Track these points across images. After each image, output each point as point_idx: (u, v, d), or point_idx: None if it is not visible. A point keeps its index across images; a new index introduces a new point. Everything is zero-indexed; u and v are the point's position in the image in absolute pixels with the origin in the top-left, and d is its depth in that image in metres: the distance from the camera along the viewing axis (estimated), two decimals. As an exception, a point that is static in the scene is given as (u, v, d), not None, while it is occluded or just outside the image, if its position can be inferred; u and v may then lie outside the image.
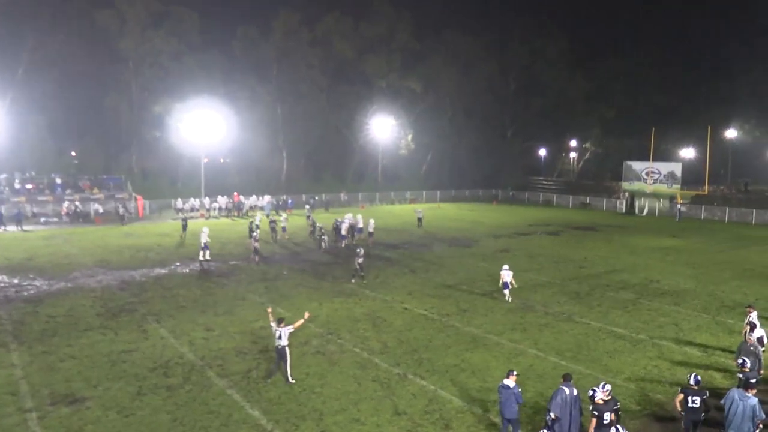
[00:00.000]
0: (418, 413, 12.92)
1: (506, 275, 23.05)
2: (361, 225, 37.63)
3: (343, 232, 35.27)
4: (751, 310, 16.38)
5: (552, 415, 10.85)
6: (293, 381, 14.39)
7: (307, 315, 15.43)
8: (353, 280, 25.23)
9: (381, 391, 14.08)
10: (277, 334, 14.35)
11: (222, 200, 53.41)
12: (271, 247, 34.47)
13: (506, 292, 22.91)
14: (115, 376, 14.78)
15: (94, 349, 16.70)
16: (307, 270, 28.22)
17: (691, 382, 11.46)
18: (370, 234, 35.99)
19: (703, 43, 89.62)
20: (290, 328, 14.57)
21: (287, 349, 14.45)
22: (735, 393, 10.99)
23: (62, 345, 16.98)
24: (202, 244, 29.06)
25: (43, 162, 56.62)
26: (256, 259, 29.74)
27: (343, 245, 34.56)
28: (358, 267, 25.26)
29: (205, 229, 30.14)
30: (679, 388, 11.86)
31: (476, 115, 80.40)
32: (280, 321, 14.61)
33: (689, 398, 11.35)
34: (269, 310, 15.68)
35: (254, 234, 31.05)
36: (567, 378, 11.35)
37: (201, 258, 29.05)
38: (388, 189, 72.49)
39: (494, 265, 29.87)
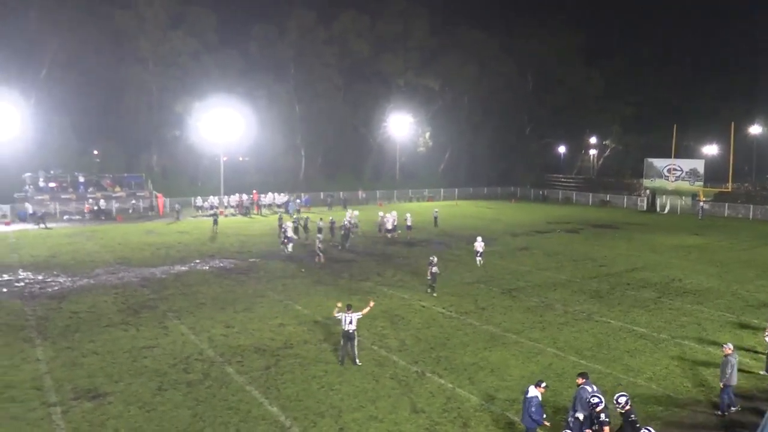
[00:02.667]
0: (436, 411, 12.91)
1: (479, 246, 28.69)
2: (390, 223, 38.21)
3: (389, 226, 37.63)
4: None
5: (579, 416, 10.68)
6: (360, 363, 15.40)
7: (372, 303, 16.75)
8: (431, 292, 23.06)
9: (399, 388, 14.08)
10: (348, 320, 15.31)
11: (232, 199, 54.29)
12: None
13: (478, 258, 28.54)
14: (136, 371, 14.97)
15: (116, 344, 16.93)
16: (325, 268, 28.30)
17: None
18: (408, 227, 38.42)
19: (725, 37, 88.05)
20: (359, 315, 15.58)
21: (356, 332, 15.51)
22: None
23: (85, 341, 17.23)
24: (287, 238, 32.14)
25: (66, 161, 57.40)
26: (322, 259, 29.52)
27: (390, 236, 37.40)
28: (430, 277, 23.17)
29: (289, 224, 33.60)
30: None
31: (494, 113, 79.98)
32: (349, 307, 15.57)
33: None
34: (339, 304, 16.01)
35: (319, 235, 31.55)
36: (586, 376, 11.24)
37: (288, 251, 31.62)
38: (406, 187, 72.43)
39: (513, 263, 29.84)
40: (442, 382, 14.52)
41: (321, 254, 29.73)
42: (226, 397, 13.54)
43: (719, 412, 12.99)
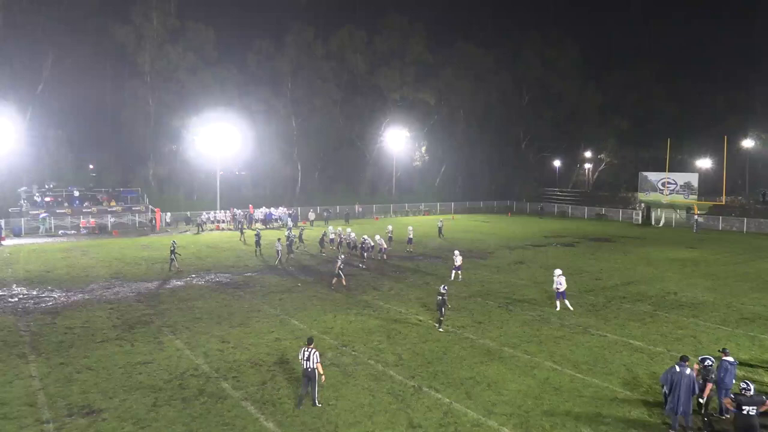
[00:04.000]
0: (433, 426, 12.84)
1: (457, 259, 28.50)
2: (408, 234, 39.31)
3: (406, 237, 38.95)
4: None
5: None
6: (319, 405, 13.70)
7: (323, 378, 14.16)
8: (438, 327, 20.11)
9: (396, 403, 14.02)
10: (305, 355, 13.57)
11: (221, 214, 54.86)
12: (288, 260, 34.65)
13: (455, 272, 28.41)
14: (131, 387, 14.86)
15: (111, 360, 16.82)
16: (321, 282, 28.25)
17: None
18: (409, 240, 39.16)
19: (718, 52, 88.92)
20: (318, 359, 13.64)
21: (316, 372, 13.63)
22: None
23: (79, 356, 17.12)
24: (277, 251, 33.16)
25: (61, 175, 57.47)
26: (343, 281, 28.36)
27: (409, 250, 38.07)
28: (438, 307, 20.03)
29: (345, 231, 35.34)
30: None
31: (490, 127, 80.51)
32: (309, 341, 13.97)
33: None
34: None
35: (342, 256, 31.06)
36: (684, 359, 12.92)
37: (277, 263, 32.57)
38: (403, 201, 72.58)
39: (509, 276, 29.86)
40: (439, 396, 14.46)
41: (342, 275, 26.90)
42: (221, 413, 13.45)
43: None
